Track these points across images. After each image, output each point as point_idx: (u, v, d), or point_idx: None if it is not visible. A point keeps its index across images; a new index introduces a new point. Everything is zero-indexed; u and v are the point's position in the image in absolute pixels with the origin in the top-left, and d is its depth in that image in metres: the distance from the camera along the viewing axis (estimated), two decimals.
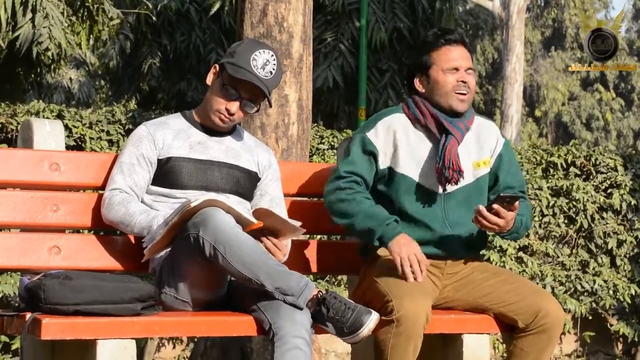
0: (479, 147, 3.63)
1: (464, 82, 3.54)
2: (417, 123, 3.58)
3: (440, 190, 3.54)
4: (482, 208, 3.40)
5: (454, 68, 3.54)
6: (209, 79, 3.54)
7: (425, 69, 3.59)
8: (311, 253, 3.81)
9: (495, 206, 3.39)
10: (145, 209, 3.37)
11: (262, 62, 3.46)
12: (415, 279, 3.32)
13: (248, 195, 3.58)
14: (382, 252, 3.53)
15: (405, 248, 3.36)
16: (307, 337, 3.08)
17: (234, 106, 3.48)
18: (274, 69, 3.48)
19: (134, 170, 3.44)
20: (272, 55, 3.49)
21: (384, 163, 3.56)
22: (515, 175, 3.69)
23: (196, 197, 3.24)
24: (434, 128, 3.55)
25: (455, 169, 3.50)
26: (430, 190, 3.54)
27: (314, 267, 3.82)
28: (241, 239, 3.12)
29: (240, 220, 3.21)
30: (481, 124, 3.68)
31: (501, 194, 3.40)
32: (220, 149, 3.54)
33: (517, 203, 3.42)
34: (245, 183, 3.56)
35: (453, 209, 3.55)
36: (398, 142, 3.55)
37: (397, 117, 3.60)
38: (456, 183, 3.52)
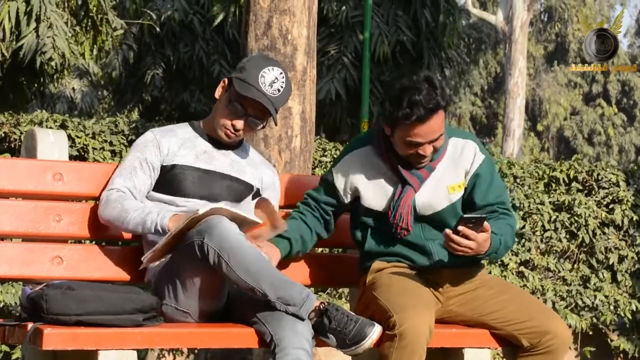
0: (453, 171, 3.51)
1: (422, 154, 3.40)
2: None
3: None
4: (449, 232, 3.28)
5: (415, 143, 3.38)
6: (218, 93, 3.54)
7: (390, 125, 3.41)
8: (312, 265, 3.80)
9: (460, 228, 3.26)
10: (141, 206, 3.36)
11: (270, 80, 3.45)
12: None
13: (248, 209, 3.58)
14: (379, 265, 3.53)
15: None
16: (308, 348, 3.08)
17: (240, 123, 3.48)
18: (282, 87, 3.47)
19: (135, 174, 3.43)
20: (281, 73, 3.48)
21: None
22: (494, 190, 3.52)
23: (199, 207, 3.24)
24: (393, 175, 3.49)
25: (404, 226, 3.45)
26: None
27: (315, 280, 3.81)
28: (245, 247, 3.12)
29: (246, 222, 3.24)
30: (457, 145, 3.53)
31: (464, 216, 3.26)
32: (225, 161, 3.54)
33: (486, 224, 3.28)
34: (246, 198, 3.56)
35: (429, 230, 3.50)
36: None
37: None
38: (404, 237, 3.47)
